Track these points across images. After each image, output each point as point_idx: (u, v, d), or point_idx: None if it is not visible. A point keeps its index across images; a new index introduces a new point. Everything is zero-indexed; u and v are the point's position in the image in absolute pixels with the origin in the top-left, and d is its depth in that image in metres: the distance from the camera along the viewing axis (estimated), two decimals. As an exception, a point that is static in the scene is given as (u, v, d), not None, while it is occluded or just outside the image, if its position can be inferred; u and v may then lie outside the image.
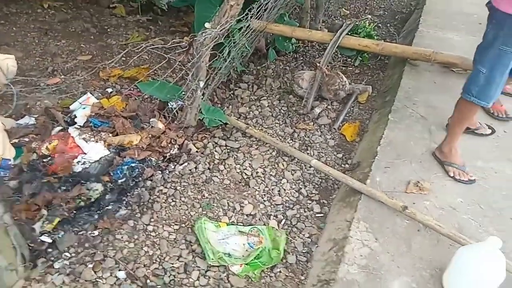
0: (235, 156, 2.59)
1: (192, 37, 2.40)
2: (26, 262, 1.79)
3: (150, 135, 2.44)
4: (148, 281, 1.86)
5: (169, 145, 2.51)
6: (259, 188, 2.39)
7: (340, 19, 4.44)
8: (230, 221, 2.19)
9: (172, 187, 2.34)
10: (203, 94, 2.66)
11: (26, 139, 2.31)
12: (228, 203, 2.29)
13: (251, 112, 2.98)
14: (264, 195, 2.36)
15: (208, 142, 2.67)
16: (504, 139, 2.57)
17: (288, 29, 3.42)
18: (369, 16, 4.05)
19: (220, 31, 2.38)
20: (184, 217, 2.19)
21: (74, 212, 2.03)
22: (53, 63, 3.17)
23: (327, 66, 3.17)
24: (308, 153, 2.64)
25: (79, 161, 2.20)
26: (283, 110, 3.04)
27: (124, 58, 3.24)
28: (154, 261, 1.96)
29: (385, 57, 3.69)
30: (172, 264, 1.94)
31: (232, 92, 3.19)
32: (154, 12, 4.10)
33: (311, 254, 2.06)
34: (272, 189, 2.39)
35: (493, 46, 1.94)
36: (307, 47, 3.87)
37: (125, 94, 2.76)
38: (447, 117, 2.53)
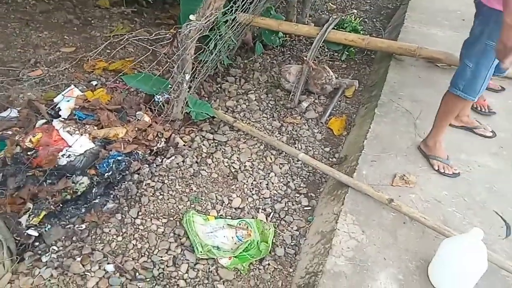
0: (223, 150, 2.58)
1: (176, 29, 2.38)
2: (13, 256, 1.76)
3: (136, 128, 2.42)
4: (137, 274, 1.86)
5: (156, 138, 2.49)
6: (247, 181, 2.40)
7: (327, 13, 4.45)
8: (219, 214, 2.19)
9: (160, 181, 2.32)
10: (189, 87, 2.64)
11: (9, 132, 2.26)
12: (216, 196, 2.29)
13: (238, 106, 2.98)
14: (252, 188, 2.37)
15: (196, 136, 2.66)
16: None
17: (274, 22, 3.42)
18: (355, 11, 4.07)
19: (205, 23, 2.36)
20: (172, 210, 2.18)
21: (61, 205, 2.00)
22: (35, 55, 3.09)
23: (314, 60, 3.19)
24: (295, 147, 2.65)
25: (64, 154, 2.16)
26: (271, 104, 3.05)
27: (109, 50, 3.18)
28: (143, 254, 1.95)
29: (371, 52, 3.72)
30: (161, 257, 1.94)
31: (219, 85, 3.17)
32: (139, 4, 4.02)
33: (299, 247, 2.08)
34: (260, 183, 2.40)
35: (480, 41, 1.98)
36: (294, 41, 3.87)
37: (111, 87, 2.72)
38: (431, 111, 2.56)
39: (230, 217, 2.18)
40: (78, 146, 2.21)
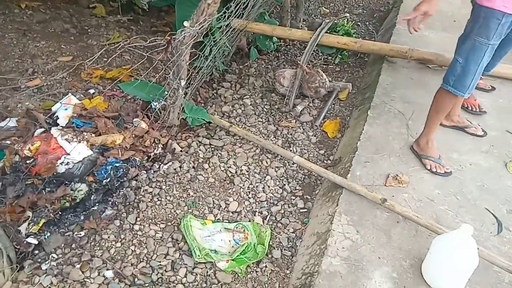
0: (219, 155, 2.62)
1: (171, 35, 2.41)
2: (13, 264, 1.79)
3: (133, 135, 2.45)
4: (136, 279, 1.89)
5: (153, 144, 2.52)
6: (243, 185, 2.43)
7: (320, 17, 4.51)
8: (216, 218, 2.23)
9: (157, 187, 2.36)
10: (185, 93, 2.68)
11: (8, 142, 2.29)
12: (213, 200, 2.32)
13: (234, 111, 3.02)
14: (249, 192, 2.40)
15: (192, 141, 2.69)
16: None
17: (268, 27, 3.47)
18: (348, 15, 4.12)
19: (199, 29, 2.40)
20: (170, 215, 2.21)
21: (60, 213, 2.03)
22: (33, 65, 3.13)
23: (308, 64, 3.23)
24: (291, 150, 2.69)
25: (62, 162, 2.19)
26: (266, 108, 3.09)
27: (105, 59, 3.22)
28: (142, 259, 1.98)
29: (364, 54, 3.77)
30: (159, 262, 1.97)
31: (215, 91, 3.21)
32: (135, 12, 4.08)
33: (295, 249, 2.11)
34: (257, 186, 2.44)
35: (470, 37, 2.03)
36: (288, 46, 3.92)
37: (108, 95, 2.76)
38: (424, 112, 2.61)
39: (227, 221, 2.22)
40: (76, 153, 2.24)
